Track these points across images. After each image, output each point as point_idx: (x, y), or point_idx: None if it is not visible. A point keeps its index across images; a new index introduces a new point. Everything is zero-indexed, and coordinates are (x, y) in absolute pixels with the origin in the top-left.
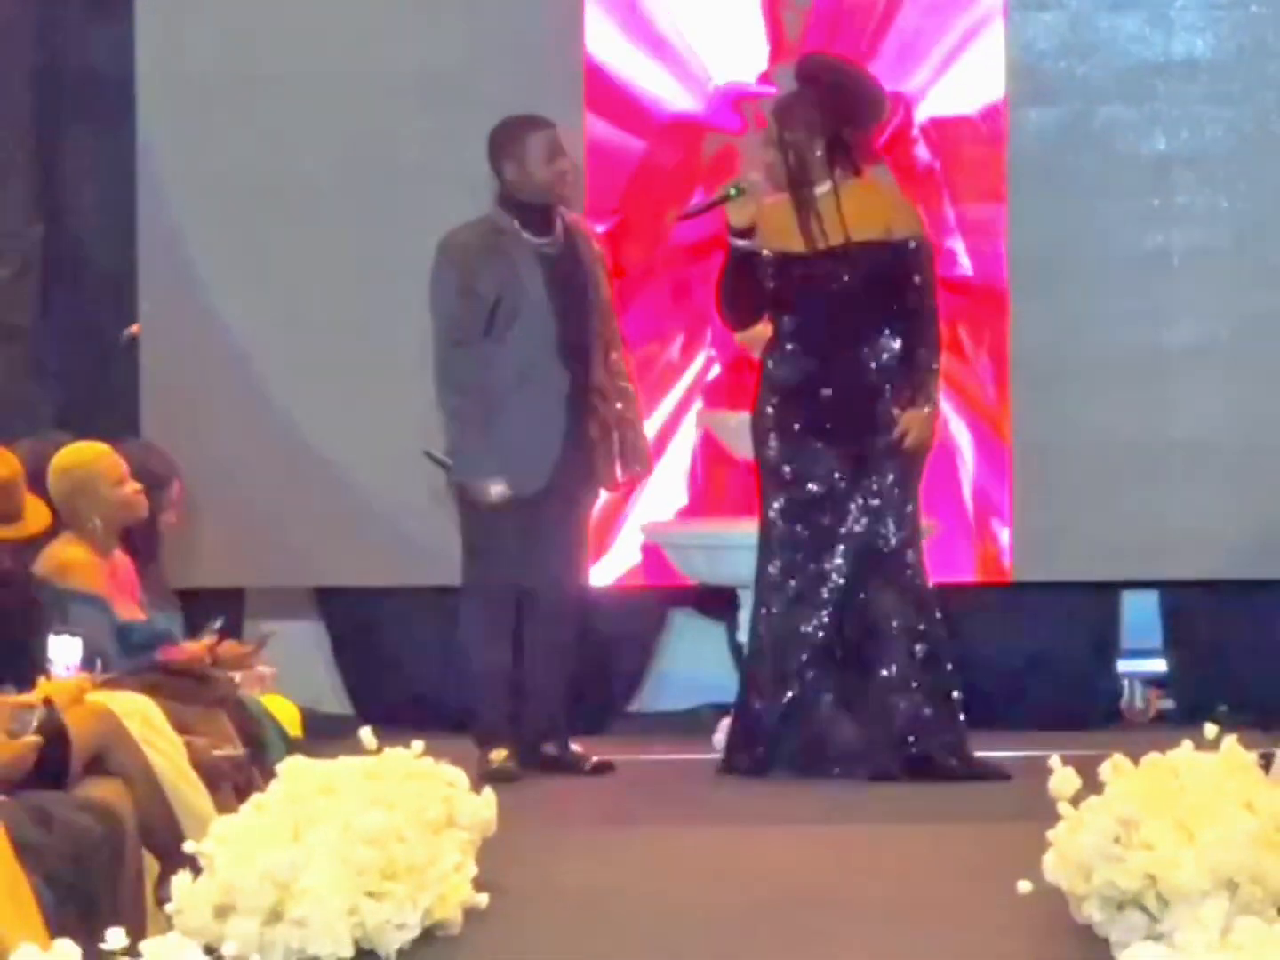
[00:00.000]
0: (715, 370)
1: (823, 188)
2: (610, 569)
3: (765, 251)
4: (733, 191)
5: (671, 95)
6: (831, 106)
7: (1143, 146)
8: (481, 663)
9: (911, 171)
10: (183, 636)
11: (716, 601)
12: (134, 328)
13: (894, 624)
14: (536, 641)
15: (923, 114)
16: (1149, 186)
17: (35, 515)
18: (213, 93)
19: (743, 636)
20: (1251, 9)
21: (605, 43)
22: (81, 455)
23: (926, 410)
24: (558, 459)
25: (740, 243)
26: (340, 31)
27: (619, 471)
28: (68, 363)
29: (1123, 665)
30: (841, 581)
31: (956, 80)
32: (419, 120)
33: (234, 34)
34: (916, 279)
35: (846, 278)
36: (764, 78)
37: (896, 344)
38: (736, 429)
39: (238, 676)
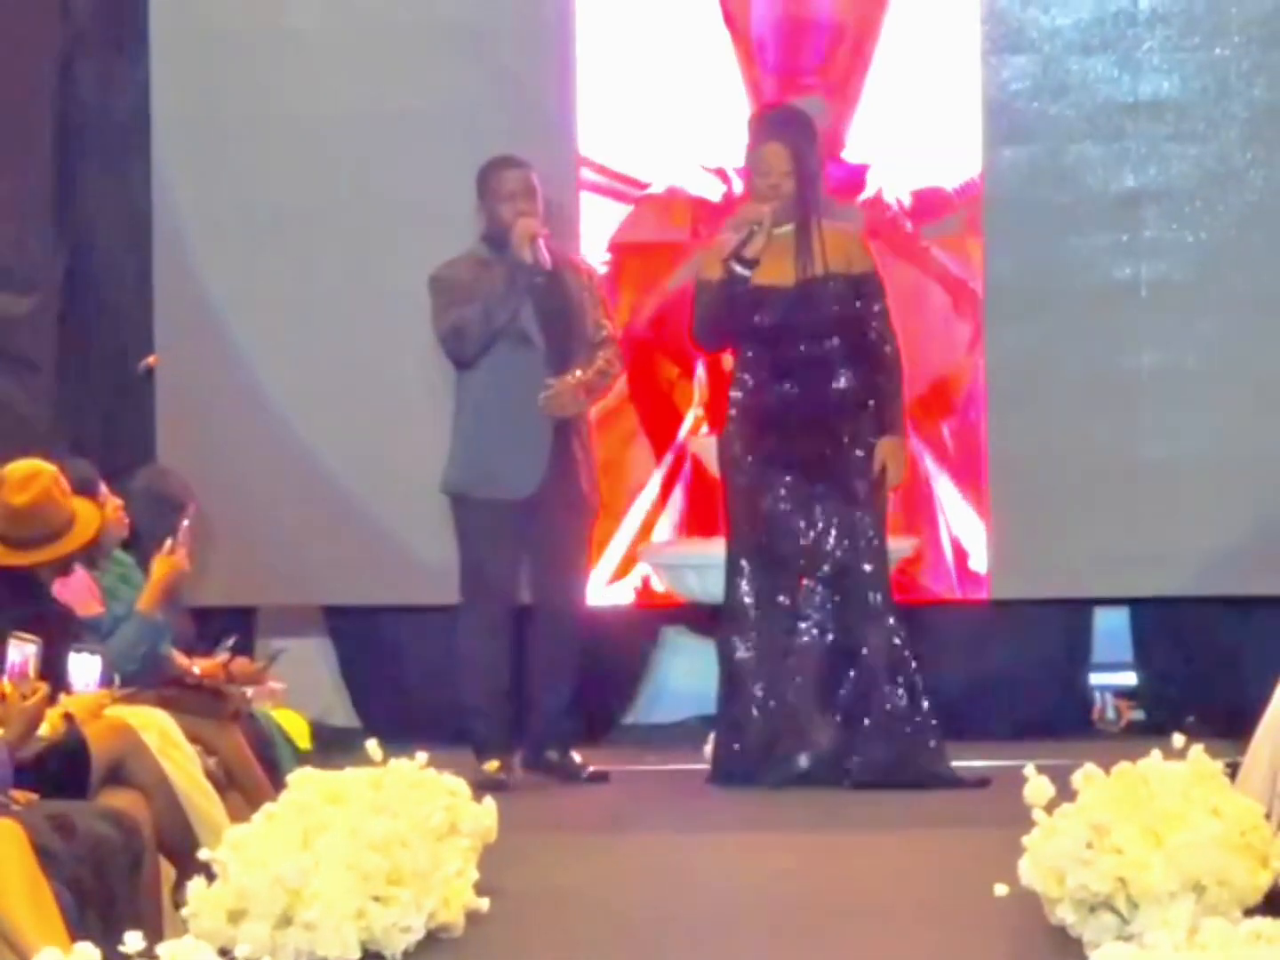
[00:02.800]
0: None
1: (813, 223)
2: (611, 588)
3: (750, 284)
4: (756, 227)
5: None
6: (818, 158)
7: (1112, 183)
8: (477, 674)
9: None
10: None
11: (706, 618)
12: (150, 358)
13: (868, 643)
14: (539, 654)
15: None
16: (1118, 221)
17: (79, 530)
18: (226, 131)
19: None
20: (1215, 51)
21: (598, 77)
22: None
23: (899, 439)
24: (545, 470)
25: (744, 271)
26: (351, 71)
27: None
28: (86, 392)
29: (1094, 678)
30: (814, 601)
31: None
32: (429, 157)
33: (247, 74)
34: (876, 309)
35: (824, 308)
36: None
37: (858, 373)
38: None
39: (250, 691)
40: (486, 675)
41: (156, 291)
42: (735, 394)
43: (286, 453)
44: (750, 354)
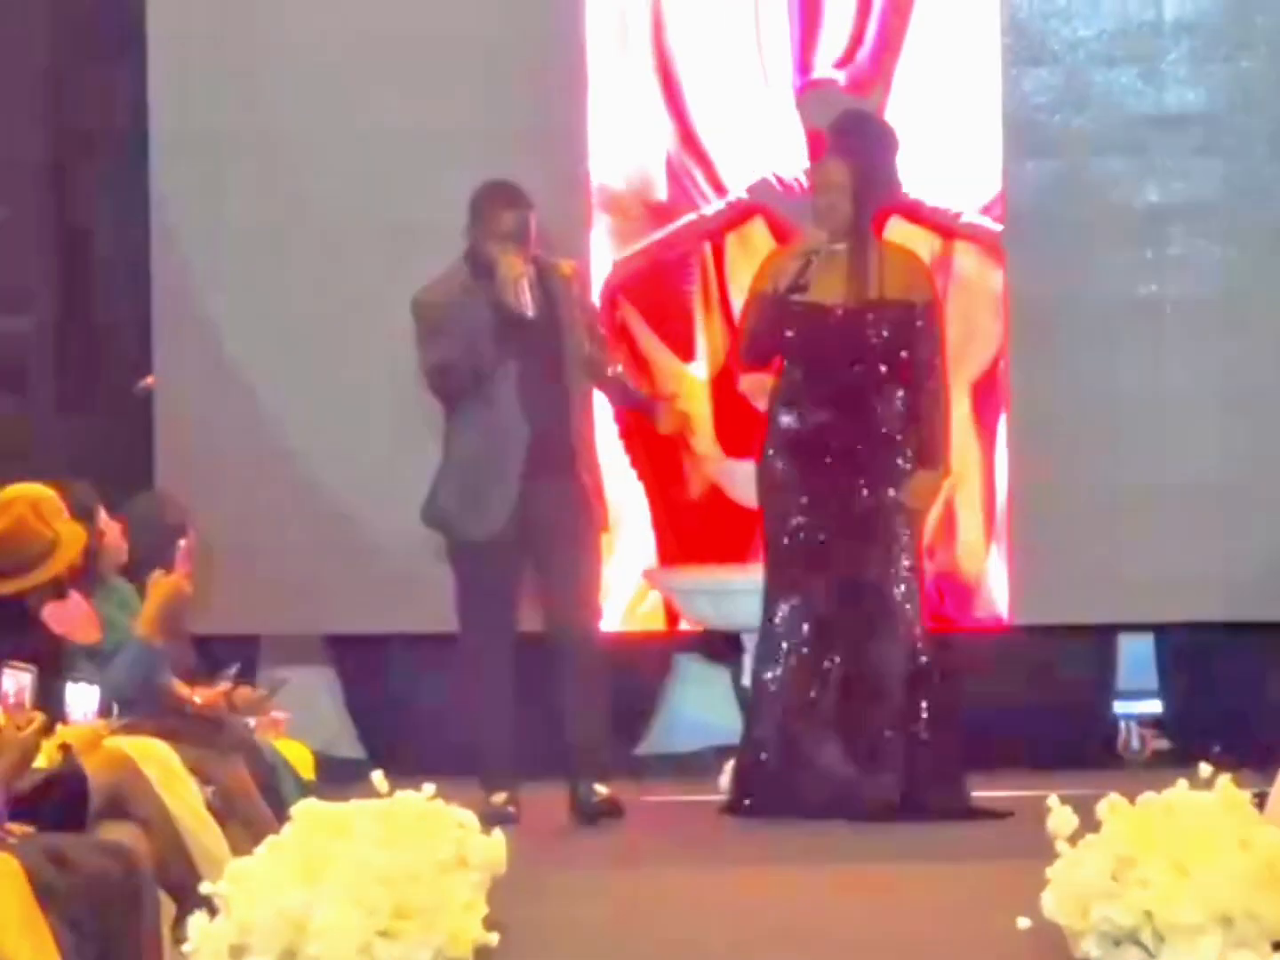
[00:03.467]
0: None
1: (871, 243)
2: (621, 614)
3: (798, 299)
4: (815, 256)
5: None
6: (888, 169)
7: (1136, 198)
8: (481, 706)
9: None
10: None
11: (721, 646)
12: (149, 379)
13: (893, 672)
14: (562, 684)
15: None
16: (1142, 237)
17: (60, 555)
18: (225, 146)
19: (747, 680)
20: (1242, 63)
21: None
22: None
23: (937, 472)
24: (522, 503)
25: (797, 297)
26: (355, 88)
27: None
28: (84, 413)
29: (1119, 706)
30: (843, 631)
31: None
32: (435, 176)
33: (246, 88)
34: (929, 341)
35: (872, 333)
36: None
37: (904, 402)
38: (740, 476)
39: (252, 722)
40: (489, 706)
41: (155, 311)
42: (775, 420)
43: (288, 477)
44: (793, 376)
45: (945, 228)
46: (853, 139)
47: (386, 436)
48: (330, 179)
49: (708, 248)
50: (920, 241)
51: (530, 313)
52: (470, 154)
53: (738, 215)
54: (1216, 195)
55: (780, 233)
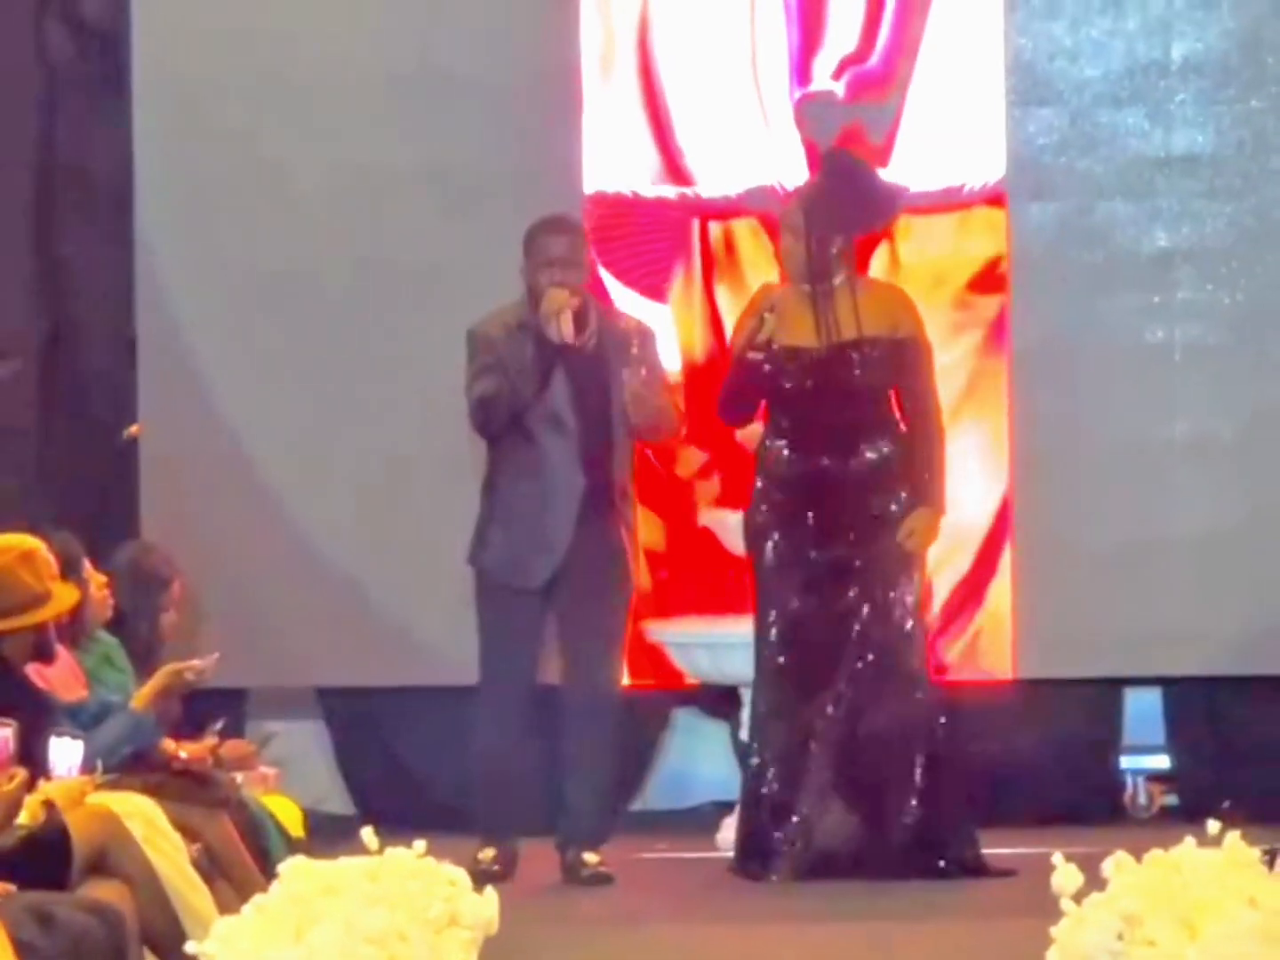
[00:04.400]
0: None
1: (838, 280)
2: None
3: (775, 345)
4: (768, 316)
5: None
6: (853, 206)
7: (1144, 241)
8: (482, 759)
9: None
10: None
11: (719, 700)
12: (134, 427)
13: (898, 727)
14: (568, 743)
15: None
16: (1150, 281)
17: (49, 608)
18: (211, 191)
19: (745, 734)
20: (1252, 103)
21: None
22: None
23: (934, 511)
24: (565, 554)
25: (758, 355)
26: (344, 125)
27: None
28: (68, 462)
29: (1125, 761)
30: (843, 685)
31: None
32: (420, 217)
33: (234, 129)
34: (919, 377)
35: (857, 372)
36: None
37: (894, 442)
38: (736, 527)
39: (240, 777)
40: (491, 762)
41: (140, 357)
42: (763, 465)
43: (277, 526)
44: (778, 421)
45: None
46: (817, 182)
47: (379, 484)
48: (318, 221)
49: (696, 225)
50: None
51: (572, 341)
52: (461, 194)
53: (731, 210)
54: (1226, 239)
55: (774, 233)
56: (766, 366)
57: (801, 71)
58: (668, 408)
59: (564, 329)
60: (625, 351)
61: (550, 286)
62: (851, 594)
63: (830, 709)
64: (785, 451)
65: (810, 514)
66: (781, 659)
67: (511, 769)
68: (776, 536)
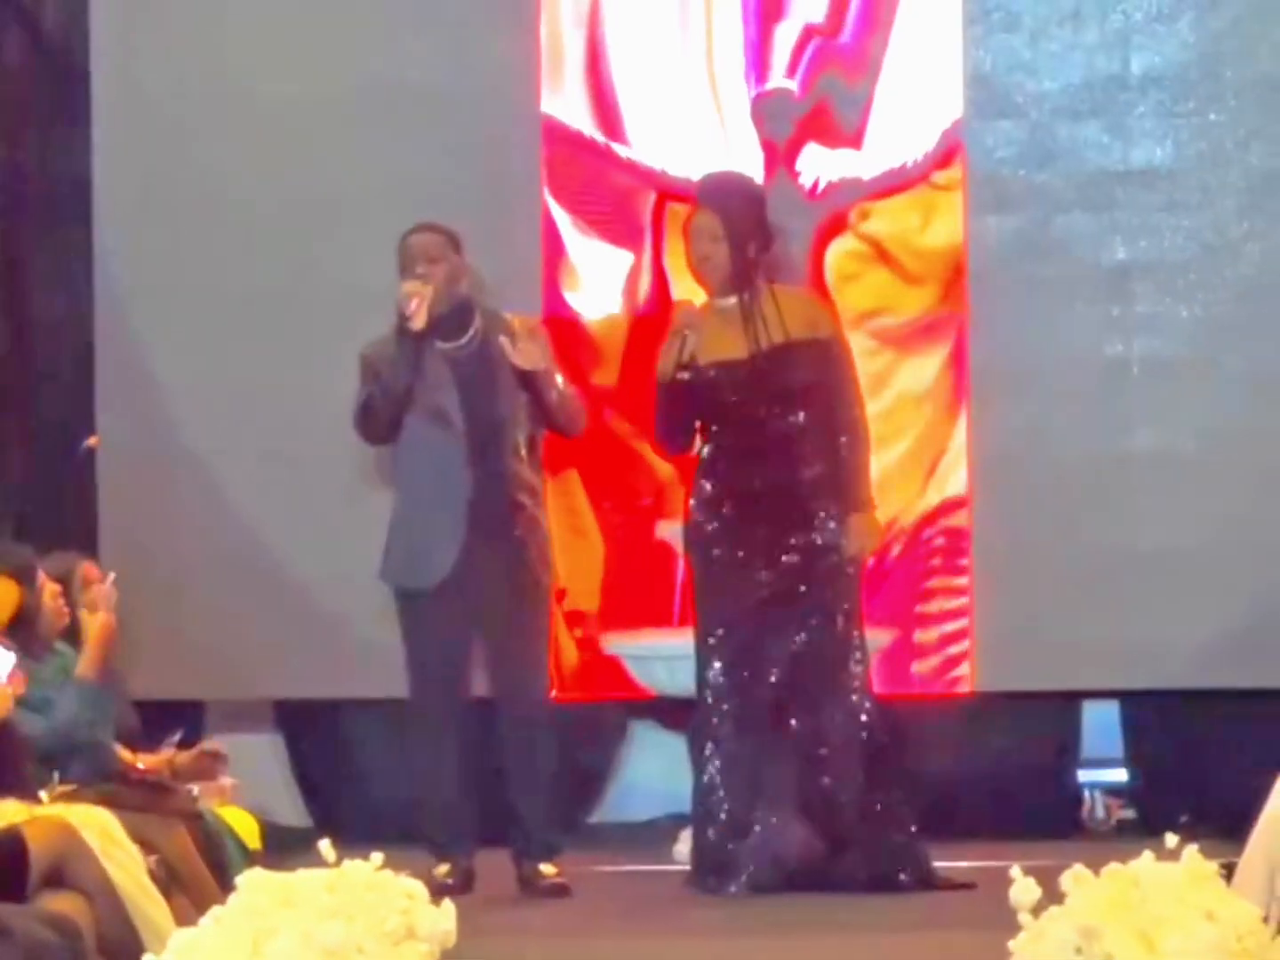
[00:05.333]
0: None
1: (759, 286)
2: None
3: (701, 362)
4: (689, 334)
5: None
6: (757, 219)
7: (1102, 255)
8: (426, 775)
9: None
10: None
11: (677, 712)
12: (92, 439)
13: (846, 739)
14: (510, 753)
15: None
16: (1109, 295)
17: None
18: (171, 201)
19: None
20: (1210, 117)
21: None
22: None
23: (868, 513)
24: (461, 552)
25: (685, 375)
26: (302, 142)
27: (543, 572)
28: (26, 474)
29: (1083, 775)
30: (788, 698)
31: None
32: (377, 231)
33: (192, 146)
34: (844, 377)
35: (786, 378)
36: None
37: (827, 452)
38: None
39: (197, 789)
40: (435, 775)
41: (98, 370)
42: (701, 478)
43: (234, 539)
44: (715, 434)
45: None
46: (717, 195)
47: (334, 500)
48: (276, 238)
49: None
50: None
51: (417, 326)
52: (420, 212)
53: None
54: (1184, 252)
55: None
56: (691, 382)
57: (759, 67)
58: (576, 398)
59: (412, 311)
60: (513, 349)
61: (401, 281)
62: (794, 606)
63: (778, 722)
64: (723, 463)
65: (750, 525)
66: (724, 672)
67: (451, 784)
68: (716, 550)
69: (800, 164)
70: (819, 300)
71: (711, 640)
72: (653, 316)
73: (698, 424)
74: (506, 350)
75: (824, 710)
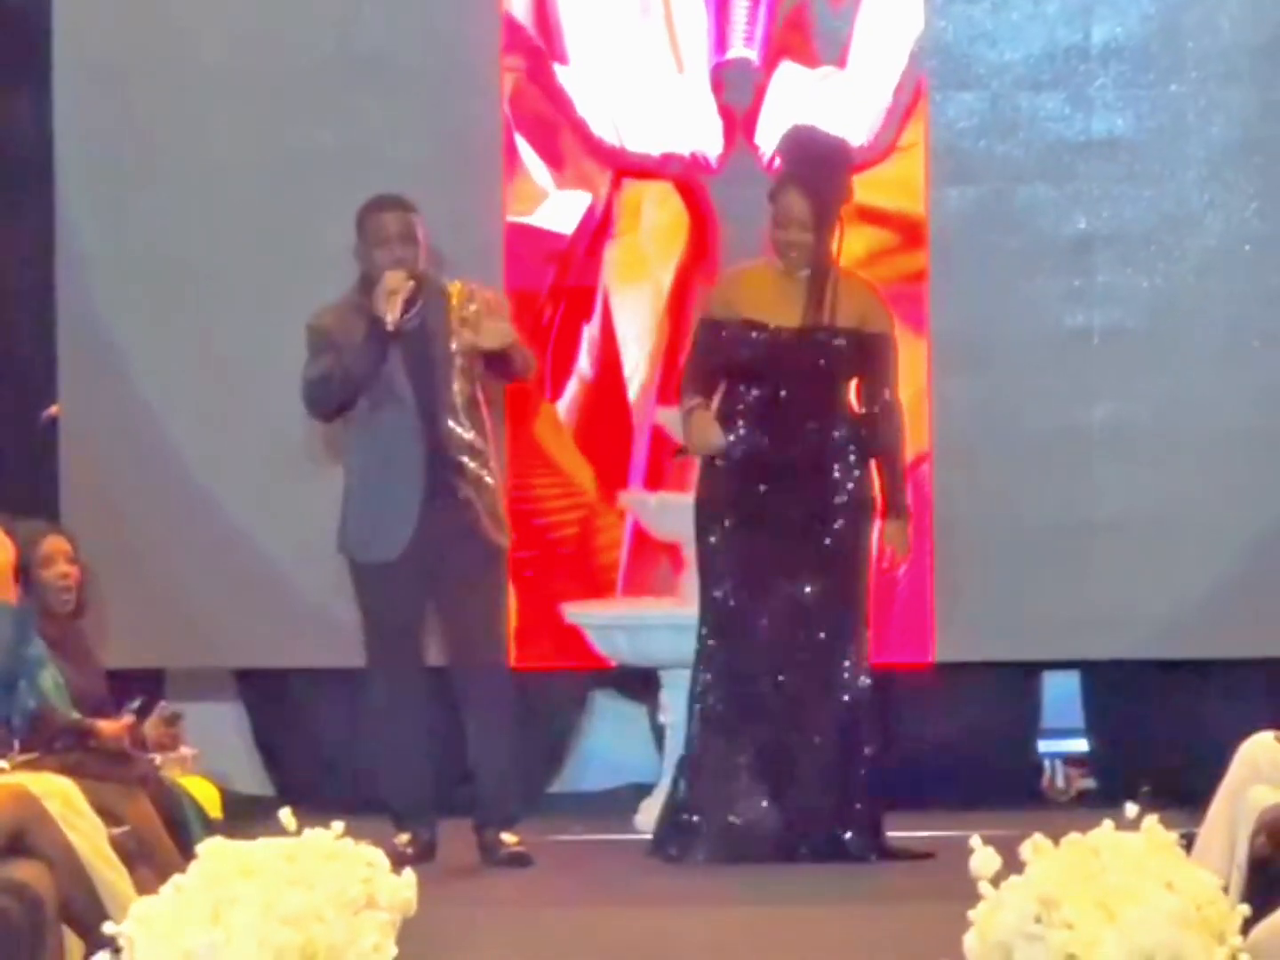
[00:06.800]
0: None
1: (828, 270)
2: (534, 649)
3: (747, 316)
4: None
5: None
6: (845, 188)
7: (1063, 226)
8: (383, 745)
9: None
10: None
11: (638, 682)
12: (53, 408)
13: (832, 719)
14: (468, 722)
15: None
16: (1070, 266)
17: None
18: (133, 173)
19: (664, 717)
20: (1171, 88)
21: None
22: None
23: (902, 522)
24: (418, 524)
25: (754, 319)
26: (267, 110)
27: (494, 533)
28: None
29: (1043, 745)
30: (782, 674)
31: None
32: (342, 203)
33: (154, 114)
34: (882, 374)
35: (822, 360)
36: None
37: (847, 429)
38: (656, 509)
39: (158, 758)
40: (392, 744)
41: (60, 339)
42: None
43: (196, 507)
44: (735, 399)
45: None
46: (806, 167)
47: (296, 469)
48: (241, 207)
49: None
50: None
51: (390, 324)
52: (385, 177)
53: (649, 171)
54: (1145, 223)
55: (693, 204)
56: (732, 331)
57: (719, 33)
58: (522, 345)
59: (395, 312)
60: (451, 313)
61: (390, 265)
62: (798, 584)
63: (768, 696)
64: (740, 433)
65: (761, 498)
66: (720, 643)
67: (410, 753)
68: (728, 521)
69: (759, 134)
70: (877, 295)
71: (711, 609)
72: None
73: (723, 380)
74: (471, 339)
75: (818, 690)
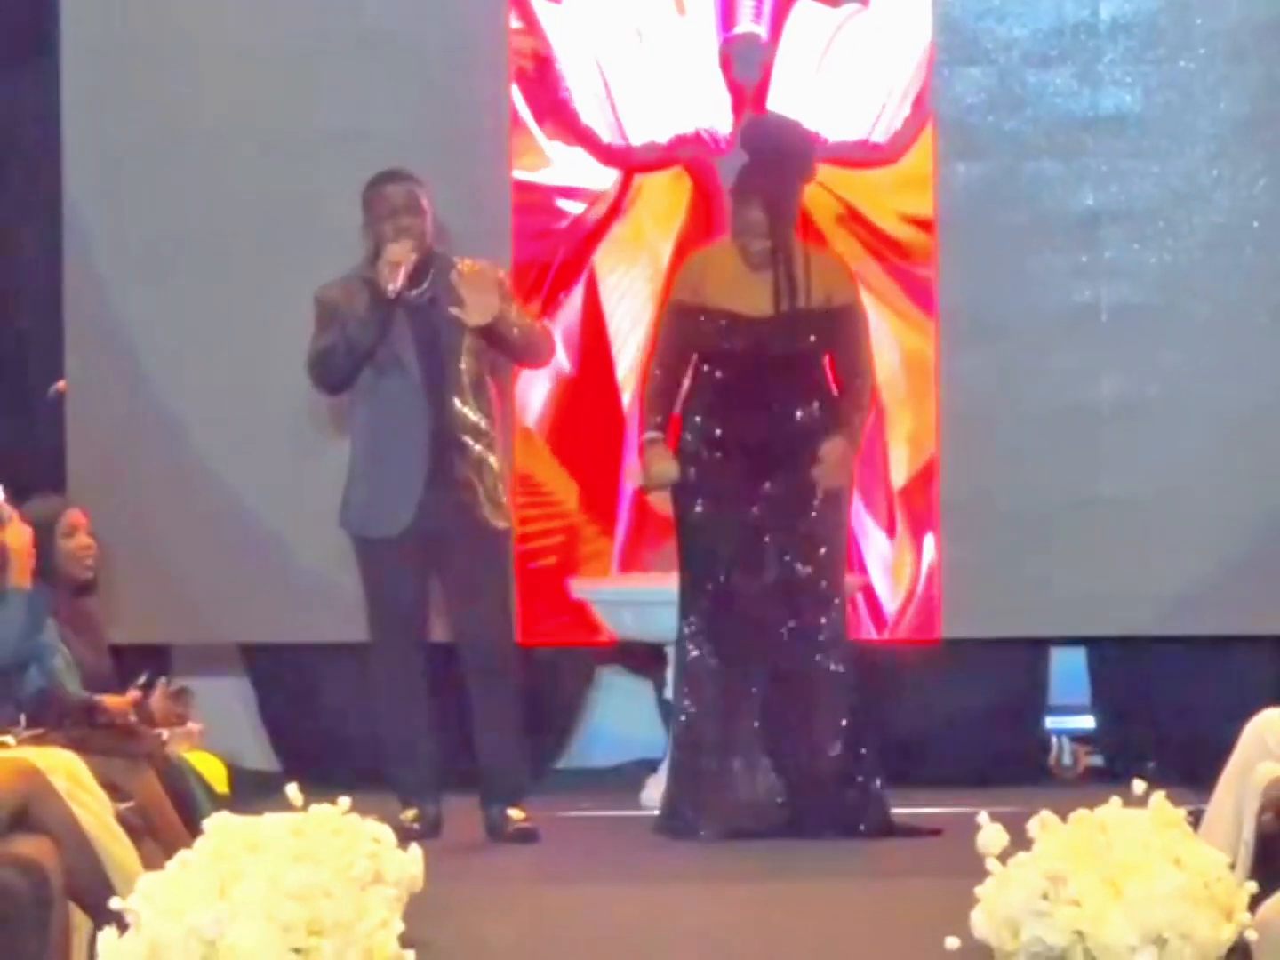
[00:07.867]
0: None
1: (796, 253)
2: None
3: (716, 304)
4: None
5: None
6: (805, 173)
7: (1071, 202)
8: (388, 720)
9: None
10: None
11: (644, 658)
12: (60, 384)
13: (821, 690)
14: (474, 699)
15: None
16: (1077, 242)
17: None
18: (140, 152)
19: (670, 693)
20: (1179, 64)
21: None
22: None
23: (845, 443)
24: (421, 499)
25: (723, 308)
26: (272, 89)
27: (492, 517)
28: None
29: (1051, 721)
30: (769, 648)
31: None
32: (347, 180)
33: (161, 94)
34: (852, 345)
35: (800, 343)
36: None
37: (825, 407)
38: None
39: (165, 733)
40: (396, 720)
41: (66, 315)
42: (689, 427)
43: (202, 483)
44: (710, 381)
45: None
46: (770, 164)
47: (303, 443)
48: (246, 183)
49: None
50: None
51: (390, 293)
52: (389, 157)
53: (656, 161)
54: (1153, 199)
55: (700, 183)
56: (702, 319)
57: (727, 11)
58: (537, 329)
59: (396, 282)
60: (460, 291)
61: (395, 237)
62: (778, 557)
63: (757, 672)
64: (711, 415)
65: (738, 477)
66: (706, 621)
67: (415, 729)
68: (702, 500)
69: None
70: (842, 265)
71: (694, 588)
72: None
73: (694, 360)
74: (458, 314)
75: (804, 662)
